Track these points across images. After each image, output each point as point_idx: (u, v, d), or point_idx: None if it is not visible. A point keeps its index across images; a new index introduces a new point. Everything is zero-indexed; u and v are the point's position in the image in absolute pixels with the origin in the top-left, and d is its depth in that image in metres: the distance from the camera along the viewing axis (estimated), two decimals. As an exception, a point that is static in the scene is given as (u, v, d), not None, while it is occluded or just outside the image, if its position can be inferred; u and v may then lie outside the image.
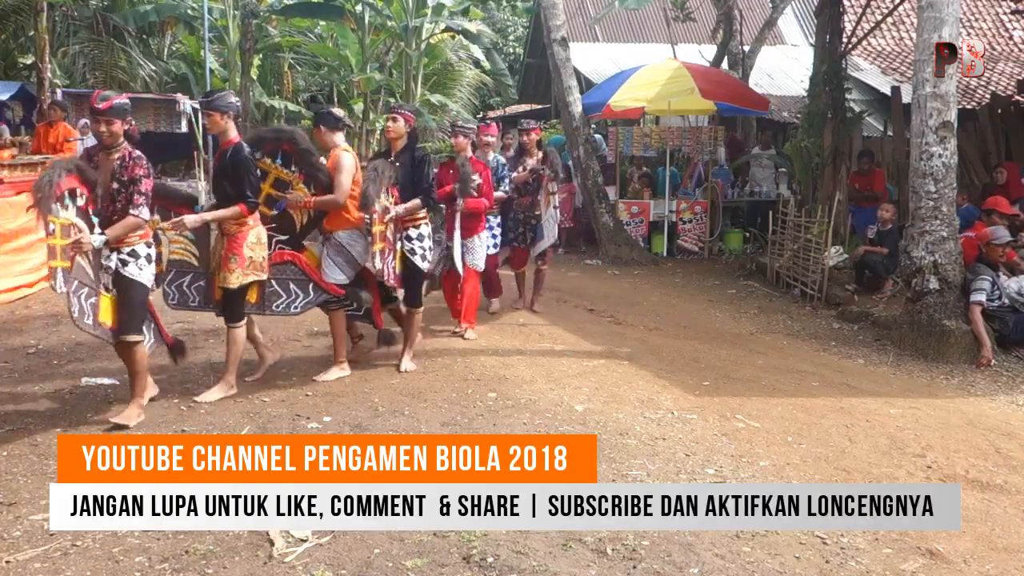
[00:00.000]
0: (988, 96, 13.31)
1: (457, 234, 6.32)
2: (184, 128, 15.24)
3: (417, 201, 5.52)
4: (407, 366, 5.60)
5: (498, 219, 7.22)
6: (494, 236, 7.16)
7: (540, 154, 7.53)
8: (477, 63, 23.15)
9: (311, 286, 5.27)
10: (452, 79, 22.83)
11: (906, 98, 10.49)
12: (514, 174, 7.32)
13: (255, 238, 4.98)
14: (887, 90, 13.08)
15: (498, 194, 7.03)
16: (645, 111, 12.24)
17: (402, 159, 5.59)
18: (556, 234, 7.67)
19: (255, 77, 19.52)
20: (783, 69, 17.37)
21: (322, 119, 5.46)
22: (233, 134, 4.96)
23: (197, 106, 15.68)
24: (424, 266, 5.67)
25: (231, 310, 5.01)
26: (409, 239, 5.58)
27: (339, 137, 5.40)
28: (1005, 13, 17.83)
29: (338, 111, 5.55)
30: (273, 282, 5.19)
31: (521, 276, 7.74)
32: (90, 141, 12.01)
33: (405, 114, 5.67)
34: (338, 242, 5.33)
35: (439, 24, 19.97)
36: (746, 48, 15.20)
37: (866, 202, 10.11)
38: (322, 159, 5.37)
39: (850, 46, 10.86)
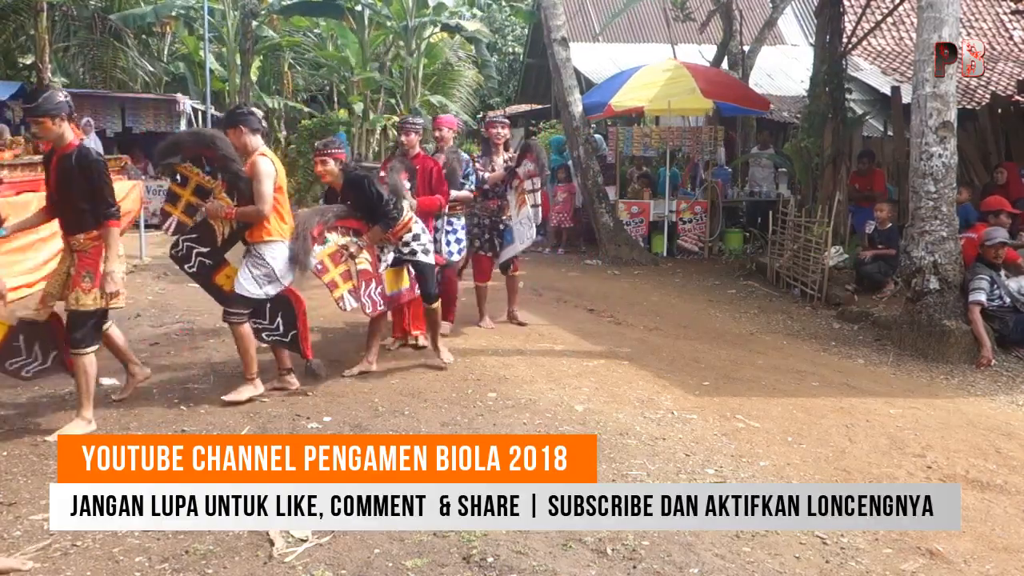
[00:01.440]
0: (988, 96, 13.30)
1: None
2: (184, 128, 15.23)
3: (377, 229, 5.29)
4: (446, 357, 5.63)
5: (462, 221, 6.59)
6: (459, 241, 6.53)
7: (512, 152, 6.81)
8: (476, 63, 23.14)
9: (53, 356, 4.61)
10: (452, 79, 22.83)
11: (906, 98, 10.48)
12: (487, 174, 6.69)
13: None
14: (887, 90, 13.08)
15: (463, 193, 6.45)
16: (645, 111, 12.24)
17: (345, 194, 5.32)
18: (532, 237, 6.85)
19: (255, 77, 19.50)
20: (783, 69, 17.38)
21: (244, 119, 4.90)
22: (71, 136, 4.34)
23: (198, 106, 15.71)
24: (429, 259, 5.55)
25: (78, 335, 4.34)
26: (406, 244, 5.46)
27: (258, 140, 4.92)
28: (1005, 13, 17.84)
29: (259, 112, 5.03)
30: (21, 337, 4.50)
31: (483, 291, 6.93)
32: (92, 140, 12.08)
33: (333, 153, 5.30)
34: (259, 254, 4.87)
35: (438, 23, 19.97)
36: (746, 48, 15.21)
37: (866, 202, 10.10)
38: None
39: (850, 46, 10.86)
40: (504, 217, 6.75)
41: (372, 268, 5.30)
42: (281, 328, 5.10)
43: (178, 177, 4.92)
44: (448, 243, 6.48)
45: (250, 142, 4.88)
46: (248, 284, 4.85)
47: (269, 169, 4.80)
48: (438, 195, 6.11)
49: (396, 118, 19.71)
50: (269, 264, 4.87)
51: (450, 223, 6.47)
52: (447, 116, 6.95)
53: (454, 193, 6.36)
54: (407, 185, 5.78)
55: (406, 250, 5.47)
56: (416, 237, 5.49)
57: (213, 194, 4.87)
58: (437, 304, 5.64)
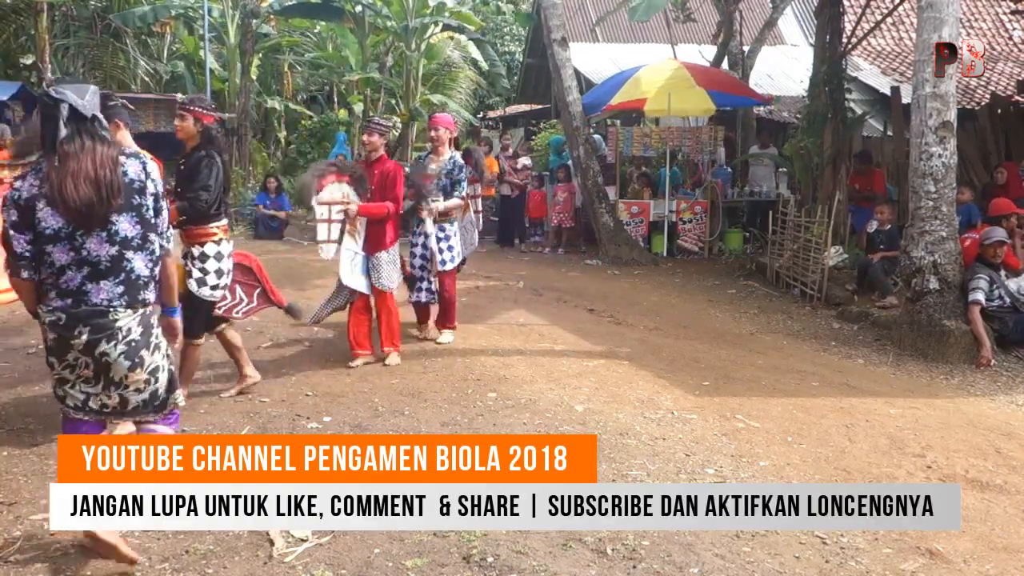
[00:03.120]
0: (988, 96, 13.31)
1: (356, 247, 5.65)
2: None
3: (178, 206, 4.58)
4: (178, 401, 4.66)
5: (455, 227, 6.38)
6: (451, 248, 6.32)
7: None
8: (476, 63, 23.14)
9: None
10: (451, 79, 22.83)
11: (906, 98, 10.49)
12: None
13: None
14: (887, 90, 13.09)
15: (454, 201, 6.24)
16: (645, 110, 12.26)
17: (188, 160, 4.76)
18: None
19: (254, 77, 19.50)
20: (783, 69, 17.37)
21: (118, 112, 4.33)
22: None
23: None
24: (204, 293, 4.73)
25: None
26: (191, 258, 4.73)
27: (129, 137, 4.32)
28: (1005, 13, 17.85)
29: (128, 106, 4.53)
30: None
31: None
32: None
33: (195, 111, 4.71)
34: None
35: (438, 23, 19.97)
36: (746, 48, 15.21)
37: (866, 202, 10.12)
38: None
39: (850, 46, 10.87)
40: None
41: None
42: None
43: None
44: (441, 251, 6.26)
45: (125, 139, 4.25)
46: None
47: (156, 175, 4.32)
48: (387, 202, 5.71)
49: (396, 118, 19.74)
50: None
51: (442, 229, 6.27)
52: (443, 115, 6.58)
53: (445, 203, 6.20)
54: (348, 191, 5.53)
55: (187, 265, 4.73)
56: (204, 257, 4.73)
57: None
58: (198, 342, 4.91)
